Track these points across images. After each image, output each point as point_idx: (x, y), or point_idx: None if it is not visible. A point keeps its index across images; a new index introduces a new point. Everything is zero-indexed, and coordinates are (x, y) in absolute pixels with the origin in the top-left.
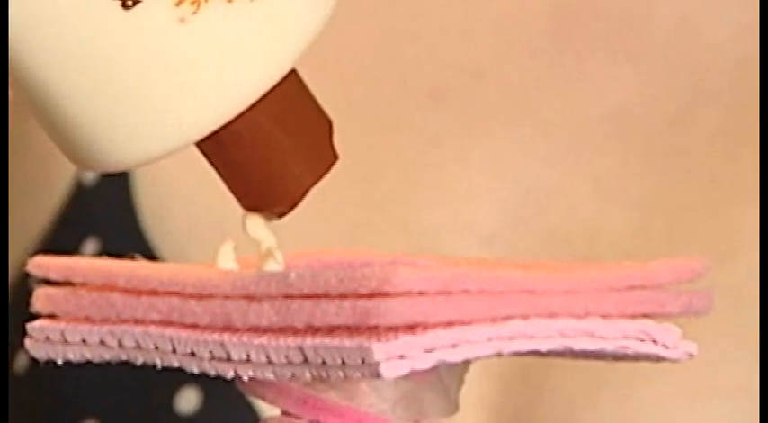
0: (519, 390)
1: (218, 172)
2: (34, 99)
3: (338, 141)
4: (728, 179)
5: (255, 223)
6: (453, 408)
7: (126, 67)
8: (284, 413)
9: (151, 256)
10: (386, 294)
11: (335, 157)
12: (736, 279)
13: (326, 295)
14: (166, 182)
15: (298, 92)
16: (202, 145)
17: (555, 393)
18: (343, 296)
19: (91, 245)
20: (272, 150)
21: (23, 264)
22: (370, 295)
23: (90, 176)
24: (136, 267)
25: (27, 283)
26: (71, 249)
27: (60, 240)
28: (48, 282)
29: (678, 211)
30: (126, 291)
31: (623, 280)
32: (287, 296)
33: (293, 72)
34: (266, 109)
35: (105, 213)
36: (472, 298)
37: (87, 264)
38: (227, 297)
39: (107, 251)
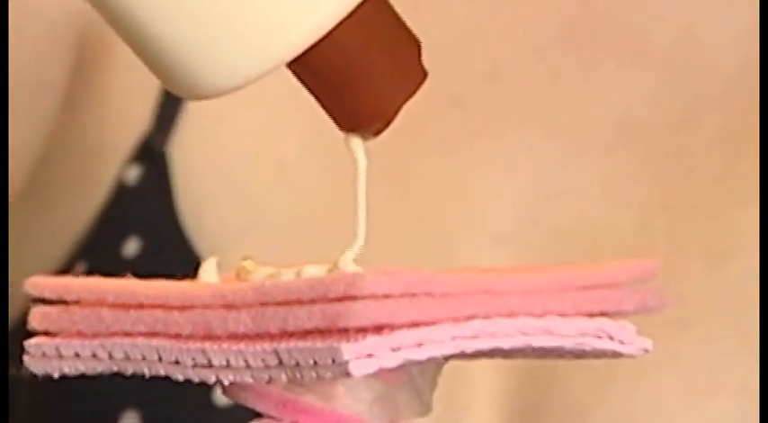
0: (530, 387)
1: (314, 95)
2: (134, 37)
3: None
4: (729, 181)
5: (355, 144)
6: (426, 409)
7: None
8: (266, 416)
9: (190, 252)
10: (353, 298)
11: (425, 75)
12: (737, 278)
13: (298, 301)
14: (203, 184)
15: (383, 12)
16: (295, 69)
17: (564, 391)
18: (313, 301)
19: (132, 243)
20: (361, 70)
21: (69, 262)
22: (339, 299)
23: (131, 177)
24: (124, 284)
25: None
26: (113, 247)
27: (102, 239)
28: (43, 300)
29: (681, 212)
30: (115, 306)
31: (580, 280)
32: (262, 304)
33: None
34: (352, 29)
35: (146, 213)
36: (435, 300)
37: (79, 282)
38: (207, 307)
39: (147, 249)
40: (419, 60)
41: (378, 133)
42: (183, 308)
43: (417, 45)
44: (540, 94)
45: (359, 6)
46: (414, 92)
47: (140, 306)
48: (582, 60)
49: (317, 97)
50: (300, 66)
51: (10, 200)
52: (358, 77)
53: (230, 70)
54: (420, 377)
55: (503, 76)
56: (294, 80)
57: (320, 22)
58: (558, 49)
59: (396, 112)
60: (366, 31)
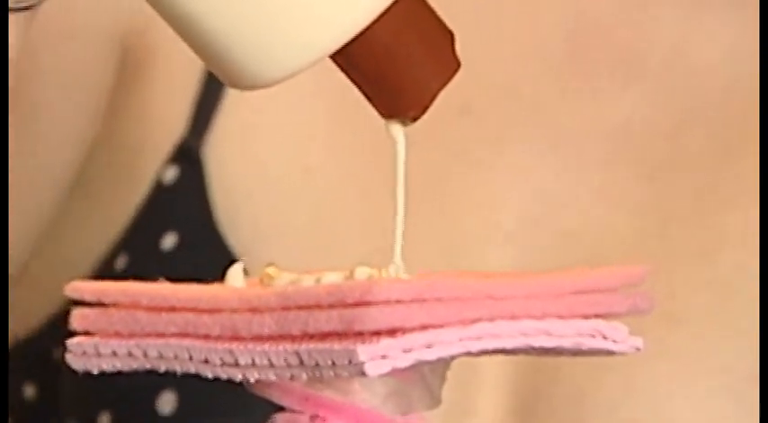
0: (533, 376)
1: (355, 84)
2: (186, 29)
3: (378, 152)
4: (716, 187)
5: (395, 129)
6: (436, 402)
7: None
8: (289, 410)
9: (222, 246)
10: (368, 303)
11: (458, 65)
12: (722, 274)
13: (318, 306)
14: (236, 183)
15: (418, 5)
16: (337, 60)
17: (565, 378)
18: (331, 306)
19: (169, 238)
20: (399, 61)
21: (111, 254)
22: (355, 304)
23: (168, 177)
24: (158, 288)
25: (112, 270)
26: (151, 241)
27: (142, 233)
28: (82, 303)
29: (672, 215)
30: (149, 308)
31: (576, 285)
32: (284, 308)
33: None
34: (390, 22)
35: (182, 210)
36: (443, 304)
37: (116, 286)
38: (234, 310)
39: (183, 243)
40: (453, 51)
41: (415, 119)
42: (211, 311)
43: (451, 36)
44: (545, 106)
45: (396, 1)
46: (448, 80)
47: (172, 309)
48: (584, 76)
49: (358, 86)
50: (342, 57)
51: (54, 198)
52: (395, 68)
53: (278, 61)
54: (431, 374)
55: (511, 88)
56: (320, 87)
57: (361, 15)
58: (563, 65)
59: (432, 100)
60: (403, 24)
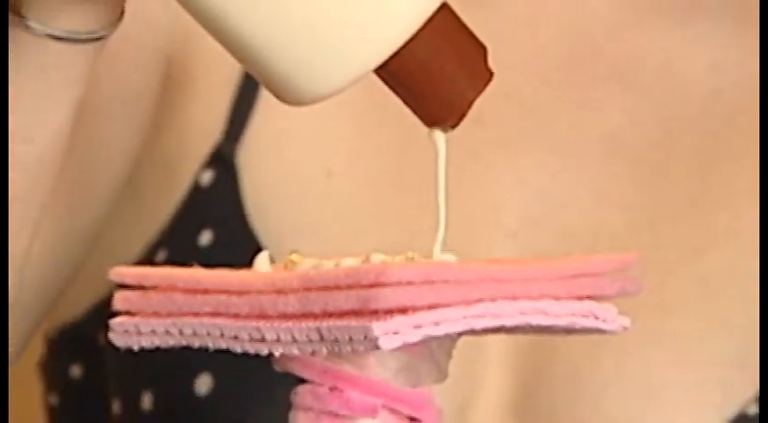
0: (534, 352)
1: (399, 96)
2: (237, 49)
3: (394, 157)
4: (702, 189)
5: (437, 136)
6: (443, 376)
7: (309, 15)
8: (309, 382)
9: (253, 243)
10: (382, 284)
11: (491, 76)
12: (707, 269)
13: (337, 287)
14: (266, 186)
15: (452, 22)
16: (381, 74)
17: (564, 355)
18: (349, 287)
19: (206, 235)
20: (433, 74)
21: (153, 249)
22: (370, 285)
23: (205, 180)
24: (192, 273)
25: (153, 264)
26: (190, 238)
27: (181, 231)
28: (125, 286)
29: (661, 214)
30: (185, 291)
31: (570, 270)
32: (307, 289)
33: (445, 6)
34: (424, 38)
35: (217, 210)
36: (450, 285)
37: (155, 271)
38: (260, 292)
39: (218, 240)
40: (485, 63)
41: (454, 126)
42: (240, 293)
43: (483, 49)
44: (547, 114)
45: (430, 19)
46: (481, 90)
47: (206, 291)
48: (581, 86)
49: (401, 97)
50: (384, 71)
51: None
52: (433, 80)
53: (324, 77)
54: (438, 350)
55: (517, 98)
56: (345, 97)
57: (401, 31)
58: (563, 77)
59: (467, 108)
60: (439, 39)
